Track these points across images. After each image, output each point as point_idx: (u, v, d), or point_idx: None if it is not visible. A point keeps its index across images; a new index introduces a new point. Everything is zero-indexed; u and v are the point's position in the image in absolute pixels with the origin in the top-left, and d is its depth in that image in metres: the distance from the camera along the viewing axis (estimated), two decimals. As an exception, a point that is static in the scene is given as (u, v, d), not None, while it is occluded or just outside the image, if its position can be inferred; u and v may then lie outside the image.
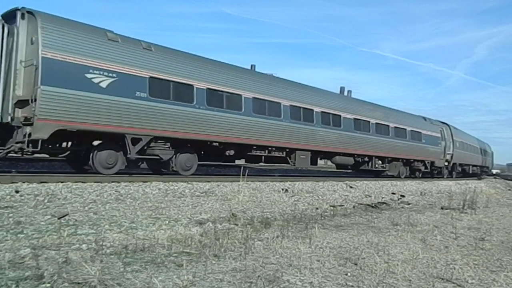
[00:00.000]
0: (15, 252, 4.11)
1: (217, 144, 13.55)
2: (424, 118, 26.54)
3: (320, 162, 21.74)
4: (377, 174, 22.18)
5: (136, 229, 5.68)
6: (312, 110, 16.84)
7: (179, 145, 12.56)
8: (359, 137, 19.28)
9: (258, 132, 14.52)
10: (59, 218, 5.97)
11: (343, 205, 10.20)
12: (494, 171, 52.12)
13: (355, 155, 19.45)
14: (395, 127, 22.05)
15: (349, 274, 4.09)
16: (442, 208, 10.99)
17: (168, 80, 11.95)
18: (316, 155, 17.54)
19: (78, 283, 3.32)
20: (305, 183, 14.16)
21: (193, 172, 13.19)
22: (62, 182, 9.21)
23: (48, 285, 3.26)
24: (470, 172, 35.23)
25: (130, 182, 10.30)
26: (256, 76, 15.62)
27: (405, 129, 23.00)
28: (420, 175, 25.15)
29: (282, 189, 12.16)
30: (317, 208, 9.36)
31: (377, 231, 6.66)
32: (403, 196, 13.93)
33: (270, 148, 15.29)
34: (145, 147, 11.62)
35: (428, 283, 3.97)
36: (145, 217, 6.64)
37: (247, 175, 11.79)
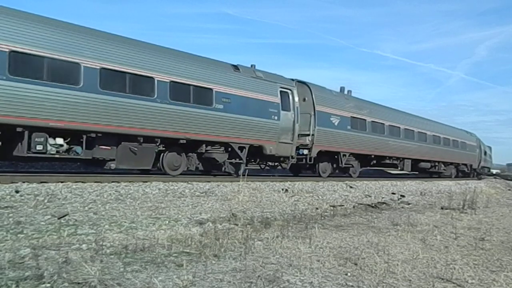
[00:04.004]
0: (15, 252, 4.11)
1: None
2: (236, 67, 13.88)
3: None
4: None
5: (136, 229, 5.69)
6: None
7: None
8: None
9: None
10: (59, 218, 5.97)
11: (343, 205, 10.20)
12: (494, 171, 51.86)
13: None
14: (104, 67, 10.22)
15: (349, 274, 4.09)
16: (442, 208, 11.00)
17: None
18: None
19: (78, 283, 3.33)
20: (305, 183, 14.14)
21: None
22: (62, 182, 9.19)
23: (48, 285, 3.26)
24: (411, 170, 23.51)
25: (130, 182, 10.29)
26: None
27: (152, 77, 11.13)
28: (241, 173, 12.67)
29: (282, 189, 12.15)
30: (317, 208, 9.36)
31: (377, 231, 6.66)
32: (403, 196, 13.93)
33: None
34: None
35: (428, 283, 3.97)
36: (145, 217, 6.64)
37: (247, 175, 11.79)
